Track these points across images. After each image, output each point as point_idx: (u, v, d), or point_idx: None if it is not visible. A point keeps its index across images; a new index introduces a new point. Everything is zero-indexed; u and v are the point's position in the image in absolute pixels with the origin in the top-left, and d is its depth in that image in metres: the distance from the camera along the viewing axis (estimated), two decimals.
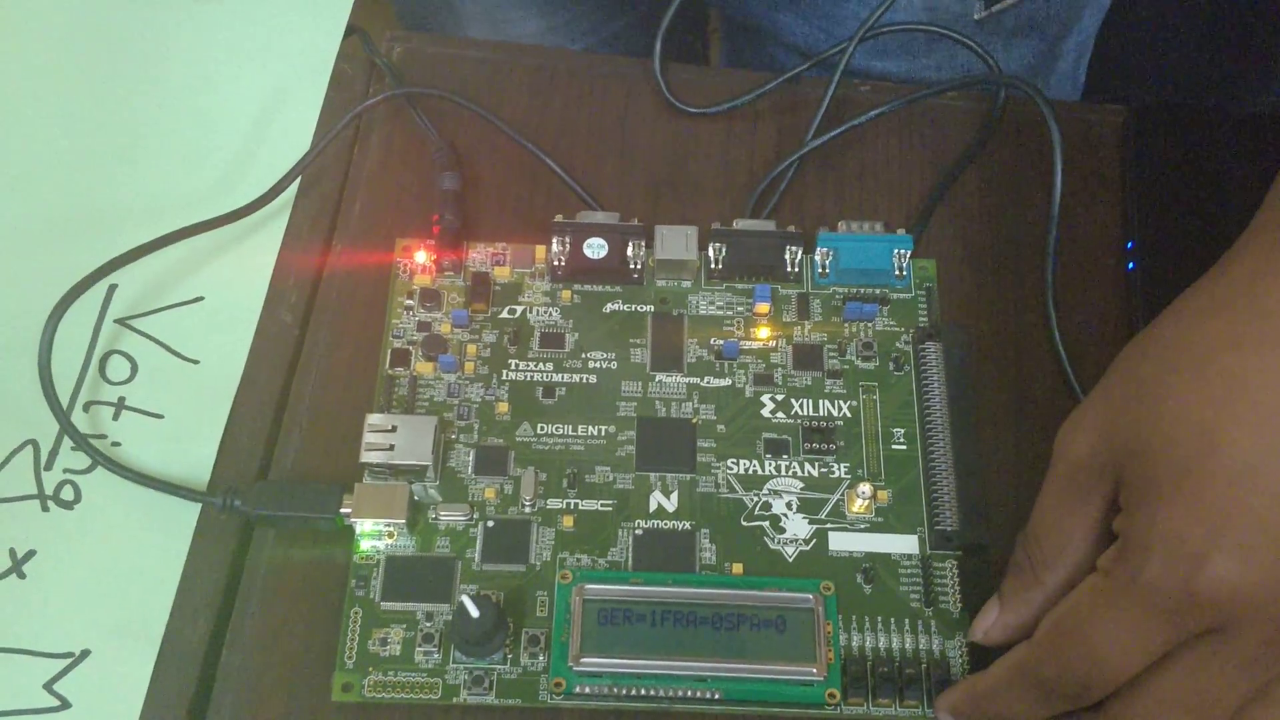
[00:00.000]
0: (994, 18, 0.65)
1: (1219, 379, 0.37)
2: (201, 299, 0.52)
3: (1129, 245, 0.53)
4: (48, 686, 0.44)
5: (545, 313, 0.51)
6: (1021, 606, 0.41)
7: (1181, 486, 0.36)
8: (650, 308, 0.51)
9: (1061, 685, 0.38)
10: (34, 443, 0.49)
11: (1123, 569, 0.37)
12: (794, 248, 0.51)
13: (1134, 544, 0.37)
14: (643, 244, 0.51)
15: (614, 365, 0.50)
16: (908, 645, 0.45)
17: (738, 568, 0.46)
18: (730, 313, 0.51)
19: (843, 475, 0.48)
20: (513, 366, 0.49)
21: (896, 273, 0.51)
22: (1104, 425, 0.39)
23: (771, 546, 0.46)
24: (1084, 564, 0.40)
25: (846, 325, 0.51)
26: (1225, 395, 0.36)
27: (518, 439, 0.48)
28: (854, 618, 0.45)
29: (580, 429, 0.48)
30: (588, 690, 0.43)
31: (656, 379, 0.50)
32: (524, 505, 0.47)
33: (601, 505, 0.47)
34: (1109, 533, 0.39)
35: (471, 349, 0.50)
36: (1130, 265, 0.53)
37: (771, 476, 0.48)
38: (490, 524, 0.46)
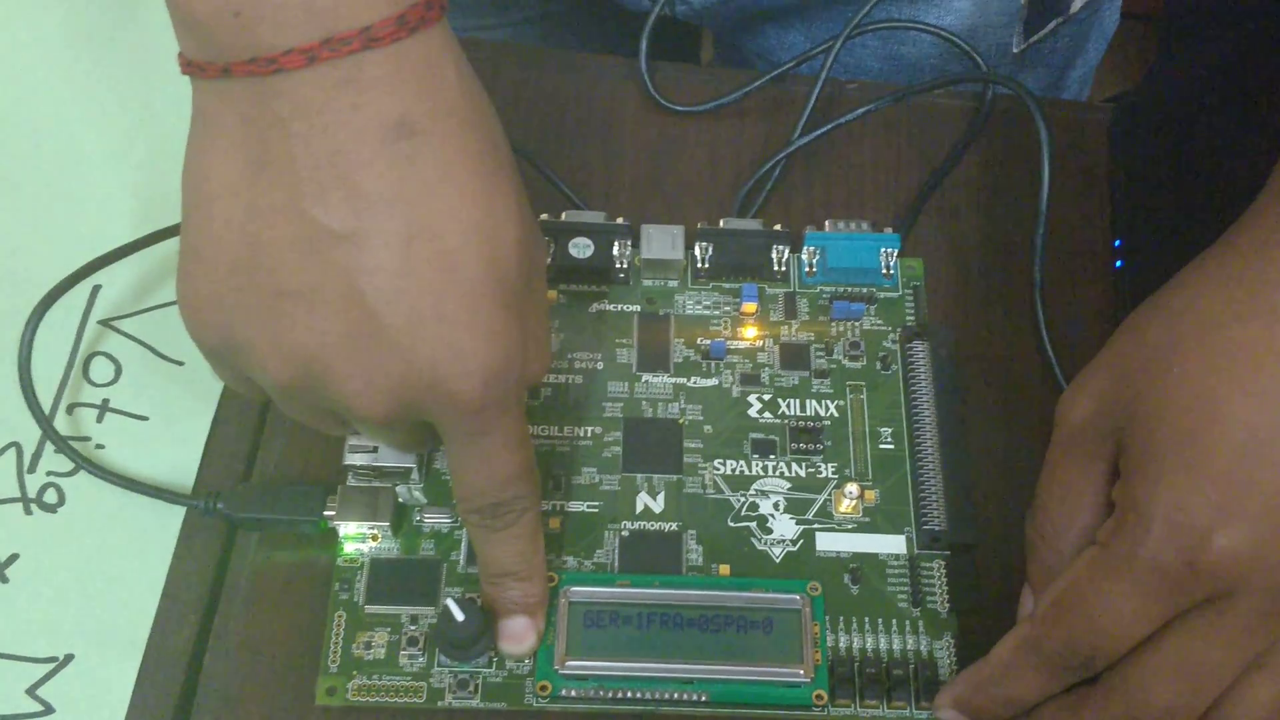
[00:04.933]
0: (1010, 49, 0.65)
1: (1225, 349, 0.37)
2: None
3: (1116, 243, 0.53)
4: (31, 691, 0.44)
5: None
6: (1050, 584, 0.41)
7: (1184, 456, 0.36)
8: (637, 308, 0.51)
9: (1066, 659, 0.38)
10: (17, 445, 0.48)
11: (1122, 541, 0.37)
12: (781, 247, 0.51)
13: (1133, 515, 0.37)
14: (629, 243, 0.51)
15: (600, 366, 0.50)
16: (895, 646, 0.45)
17: (725, 569, 0.46)
18: (717, 312, 0.51)
19: (830, 475, 0.48)
20: None
21: (884, 272, 0.51)
22: (1107, 390, 0.39)
23: (758, 547, 0.46)
24: (1096, 528, 0.40)
25: (833, 325, 0.51)
26: (1231, 365, 0.36)
27: None
28: (841, 618, 0.45)
29: (566, 430, 0.48)
30: (573, 693, 0.43)
31: (643, 379, 0.49)
32: None
33: (588, 507, 0.47)
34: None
35: None
36: (1118, 263, 0.53)
37: (758, 477, 0.48)
38: None
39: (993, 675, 0.41)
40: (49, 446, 0.48)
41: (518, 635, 0.43)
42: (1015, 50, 0.65)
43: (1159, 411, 0.37)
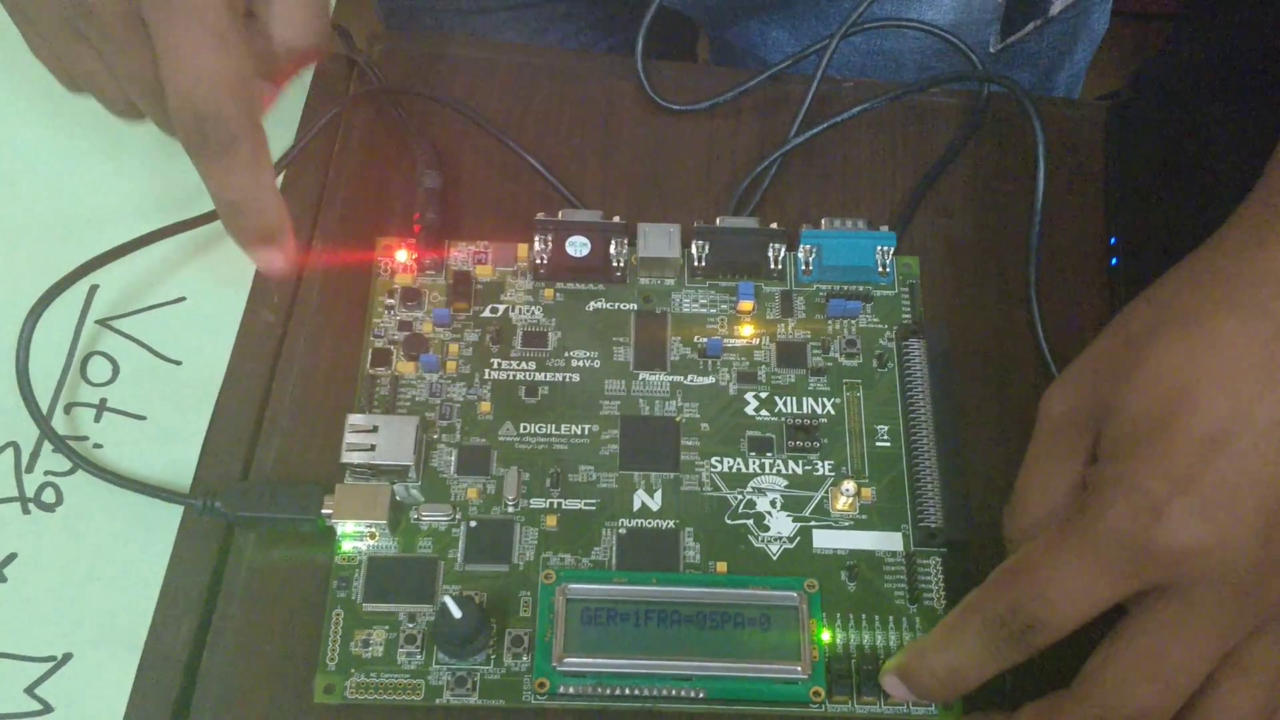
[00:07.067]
0: (992, 49, 0.65)
1: (1202, 341, 0.37)
2: (183, 299, 0.52)
3: (1112, 241, 0.53)
4: (29, 690, 0.44)
5: (528, 311, 0.51)
6: None
7: (1153, 441, 0.37)
8: (633, 306, 0.51)
9: (1007, 622, 0.38)
10: (15, 445, 0.48)
11: (1082, 515, 0.37)
12: (777, 245, 0.51)
13: (1096, 493, 0.37)
14: (625, 242, 0.51)
15: (597, 364, 0.50)
16: (892, 642, 0.45)
17: (722, 566, 0.46)
18: (714, 310, 0.51)
19: (826, 473, 0.48)
20: (495, 365, 0.49)
21: (880, 270, 0.51)
22: (1087, 384, 0.40)
23: (755, 545, 0.46)
24: None
25: (830, 323, 0.51)
26: (1206, 357, 0.37)
27: (500, 438, 0.48)
28: (838, 615, 0.45)
29: (563, 428, 0.48)
30: (571, 690, 0.43)
31: (640, 377, 0.50)
32: (507, 505, 0.46)
33: (585, 505, 0.47)
34: None
35: (453, 348, 0.50)
36: (1113, 261, 0.53)
37: (755, 474, 0.48)
38: (473, 524, 0.46)
39: (935, 640, 0.41)
40: (47, 446, 0.48)
41: (265, 267, 0.45)
42: (992, 50, 0.65)
43: (1134, 399, 0.38)
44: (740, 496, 0.47)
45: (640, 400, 0.49)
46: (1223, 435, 0.36)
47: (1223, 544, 0.35)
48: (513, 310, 0.51)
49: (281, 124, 0.56)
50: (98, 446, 0.48)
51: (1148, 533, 0.36)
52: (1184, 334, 0.38)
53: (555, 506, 0.47)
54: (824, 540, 0.46)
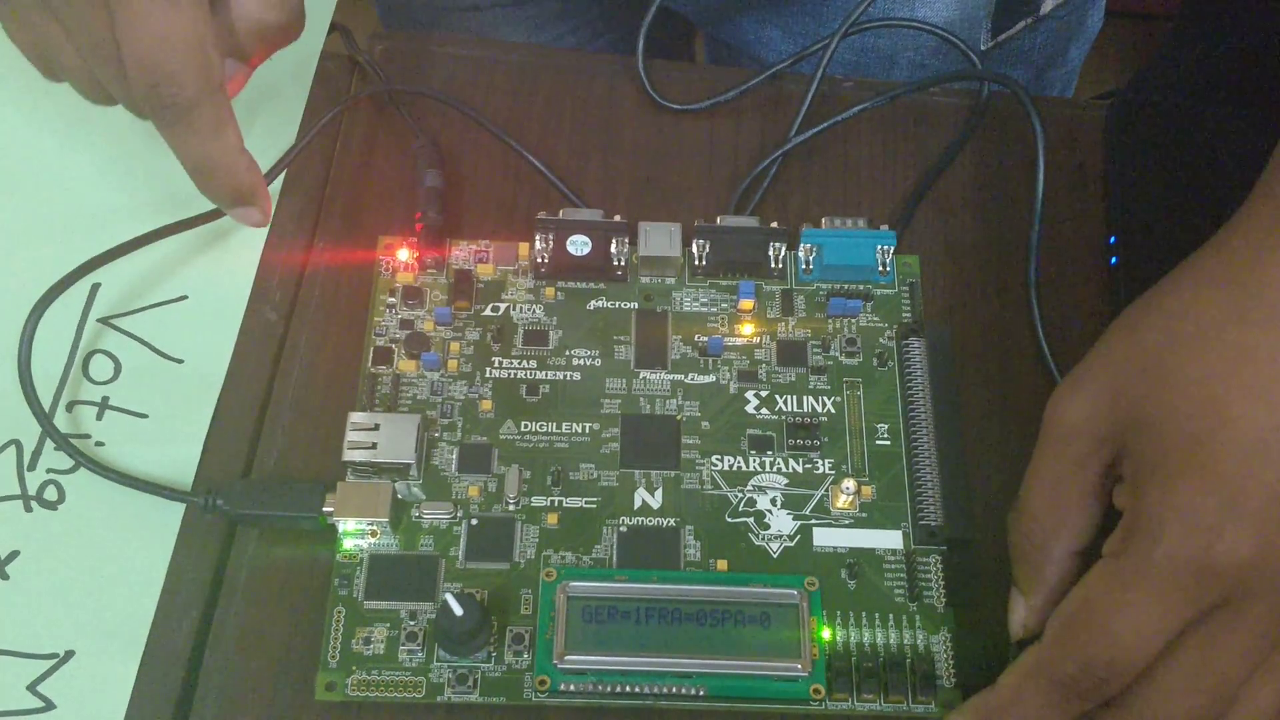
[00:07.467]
0: (982, 45, 0.65)
1: (1227, 353, 0.37)
2: (185, 297, 0.52)
3: (1111, 240, 0.53)
4: (32, 688, 0.44)
5: (529, 310, 0.51)
6: (1043, 587, 0.41)
7: (1193, 460, 0.36)
8: (634, 305, 0.51)
9: (1080, 680, 0.37)
10: (17, 443, 0.48)
11: (1136, 547, 0.37)
12: (778, 244, 0.51)
13: (1146, 520, 0.37)
14: (626, 241, 0.51)
15: (598, 362, 0.50)
16: (892, 640, 0.45)
17: (722, 564, 0.46)
18: (714, 309, 0.51)
19: (827, 471, 0.48)
20: (496, 364, 0.49)
21: (880, 269, 0.52)
22: (1106, 392, 0.39)
23: (756, 543, 0.46)
24: (1086, 531, 0.40)
25: (830, 321, 0.51)
26: (1234, 369, 0.36)
27: (501, 437, 0.48)
28: (839, 613, 0.45)
29: (564, 426, 0.48)
30: (572, 688, 0.43)
31: (641, 376, 0.50)
32: (508, 503, 0.47)
33: (586, 503, 0.47)
34: (1108, 502, 0.39)
35: (455, 347, 0.50)
36: (1113, 260, 0.53)
37: (756, 473, 0.48)
38: (474, 522, 0.46)
39: (1001, 704, 0.39)
40: (49, 444, 0.48)
41: (241, 222, 0.48)
42: (982, 47, 0.65)
43: (1166, 417, 0.37)
44: (741, 495, 0.47)
45: (641, 399, 0.49)
46: (1261, 445, 0.36)
47: (1273, 553, 0.35)
48: (514, 309, 0.51)
49: (283, 124, 0.56)
50: (100, 444, 0.48)
51: (1207, 553, 0.35)
52: (1207, 346, 0.37)
53: (556, 504, 0.47)
54: (824, 538, 0.47)
